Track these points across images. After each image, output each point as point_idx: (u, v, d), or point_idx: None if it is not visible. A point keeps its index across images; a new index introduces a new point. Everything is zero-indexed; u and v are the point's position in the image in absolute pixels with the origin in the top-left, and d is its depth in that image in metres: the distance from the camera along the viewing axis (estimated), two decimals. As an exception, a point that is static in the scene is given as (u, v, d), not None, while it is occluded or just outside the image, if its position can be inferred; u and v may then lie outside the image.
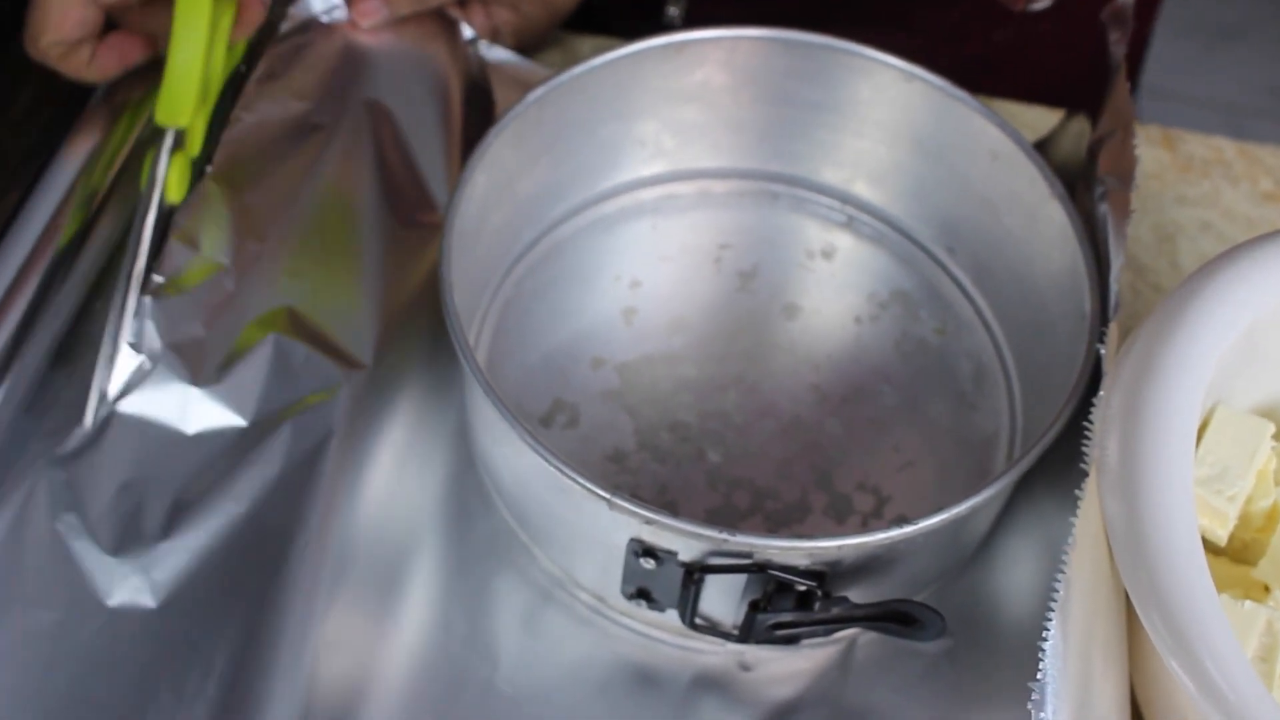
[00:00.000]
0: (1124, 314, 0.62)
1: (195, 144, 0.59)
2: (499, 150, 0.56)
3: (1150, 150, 0.69)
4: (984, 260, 0.62)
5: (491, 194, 0.57)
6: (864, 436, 0.59)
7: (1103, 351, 0.50)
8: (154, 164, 0.58)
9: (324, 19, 0.65)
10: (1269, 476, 0.51)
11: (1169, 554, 0.44)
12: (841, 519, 0.57)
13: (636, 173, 0.64)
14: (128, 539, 0.53)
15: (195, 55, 0.56)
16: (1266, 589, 0.50)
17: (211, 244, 0.58)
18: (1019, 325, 0.61)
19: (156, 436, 0.55)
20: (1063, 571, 0.45)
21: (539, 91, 0.57)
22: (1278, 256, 0.50)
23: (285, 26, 0.64)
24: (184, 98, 0.57)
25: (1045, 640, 0.44)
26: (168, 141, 0.58)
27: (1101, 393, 0.49)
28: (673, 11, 0.75)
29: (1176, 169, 0.69)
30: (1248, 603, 0.47)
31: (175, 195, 0.58)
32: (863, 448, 0.59)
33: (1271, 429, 0.51)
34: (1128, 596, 0.48)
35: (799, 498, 0.57)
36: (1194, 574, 0.44)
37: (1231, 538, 0.51)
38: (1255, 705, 0.42)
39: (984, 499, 0.49)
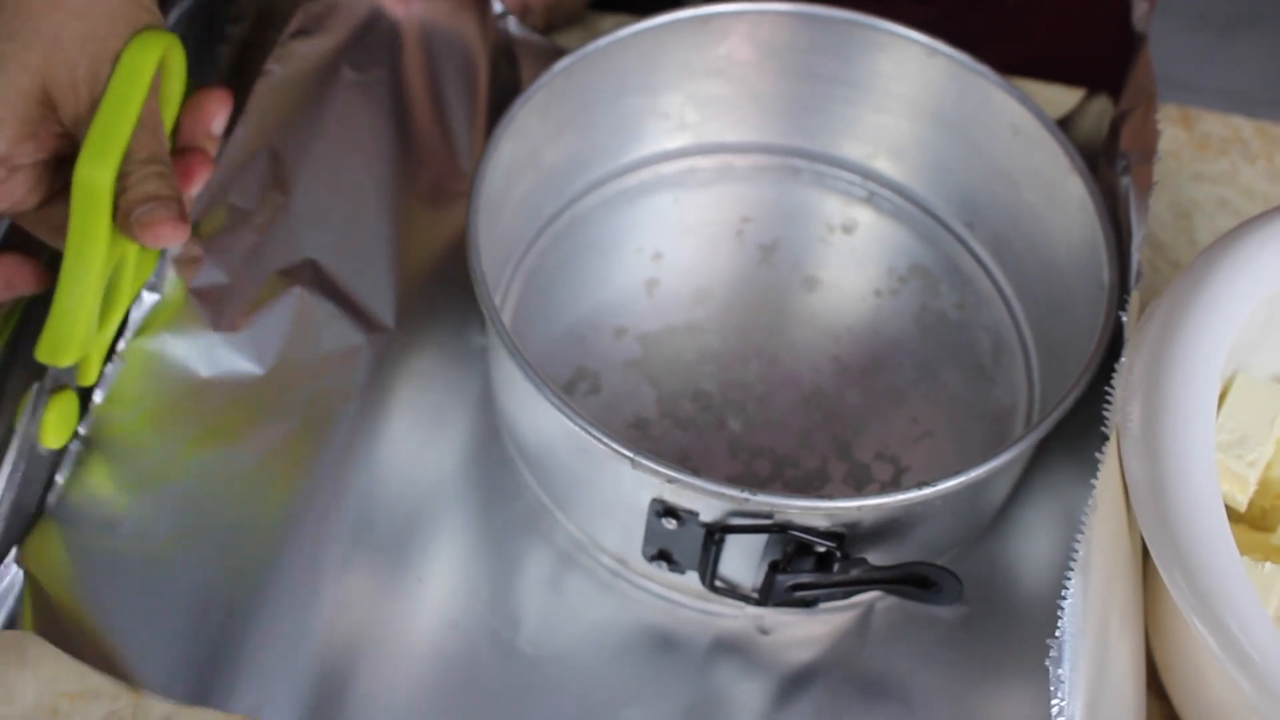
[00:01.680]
0: (1142, 289, 0.63)
1: (90, 374, 0.54)
2: (525, 120, 0.57)
3: (1168, 128, 0.70)
4: (1003, 235, 0.62)
5: (517, 164, 0.58)
6: (883, 407, 0.60)
7: (1124, 319, 0.51)
8: (30, 406, 0.52)
9: (361, 11, 0.66)
10: None
11: (1192, 515, 0.45)
12: (860, 487, 0.57)
13: (660, 146, 0.65)
14: (136, 478, 0.54)
15: (84, 293, 0.49)
16: None
17: (238, 192, 0.59)
18: (1037, 299, 0.61)
19: (172, 376, 0.56)
20: (1082, 532, 0.46)
21: (565, 62, 0.58)
22: None
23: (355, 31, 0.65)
24: (70, 336, 0.50)
25: (1064, 599, 0.45)
26: (45, 383, 0.52)
27: (1123, 359, 0.49)
28: None
29: (1194, 147, 0.70)
30: (1268, 564, 0.48)
31: (54, 441, 0.52)
32: (882, 418, 0.59)
33: None
34: (1145, 558, 0.49)
35: (819, 466, 0.58)
36: (1217, 535, 0.45)
37: (1251, 504, 0.51)
38: (1278, 663, 0.43)
39: (1002, 463, 0.49)
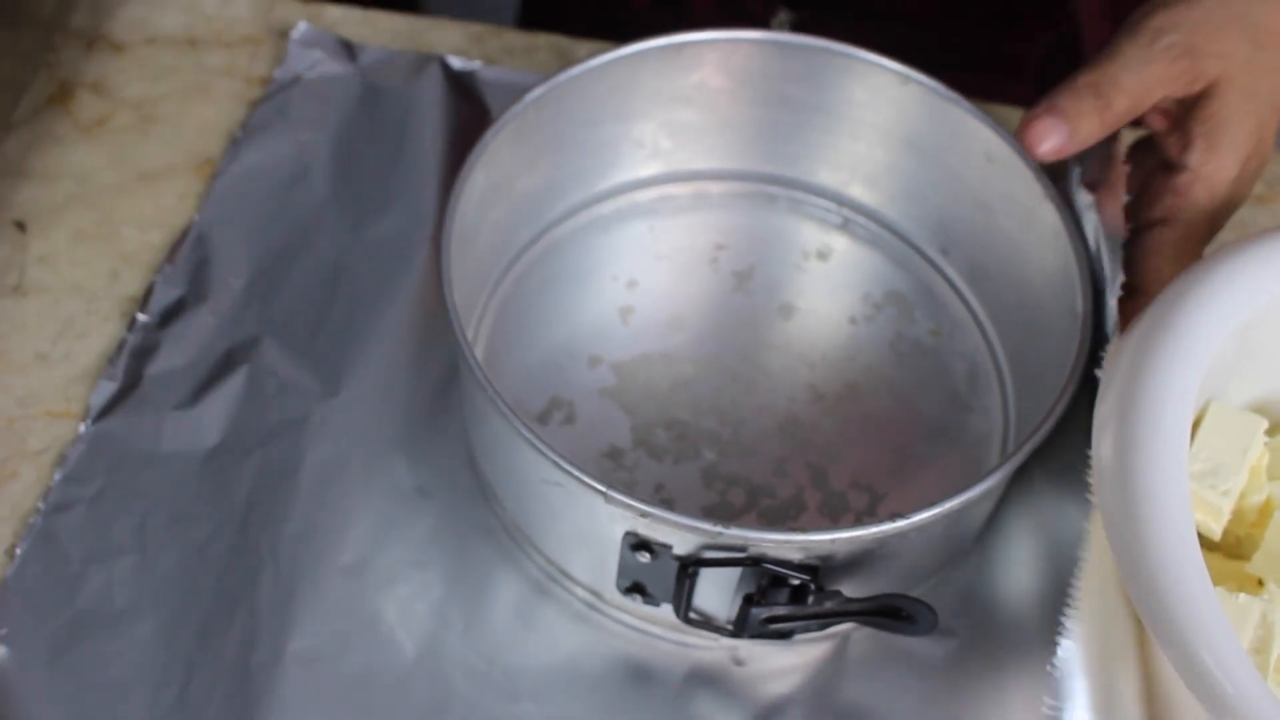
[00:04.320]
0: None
1: None
2: (498, 149, 0.57)
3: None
4: (978, 261, 0.62)
5: (489, 193, 0.57)
6: (859, 435, 0.59)
7: (1099, 374, 0.51)
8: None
9: (308, 75, 0.69)
10: (1262, 472, 0.51)
11: (1165, 546, 0.45)
12: (836, 517, 0.57)
13: (634, 173, 0.65)
14: (97, 553, 0.54)
15: None
16: (1260, 583, 0.50)
17: (195, 279, 0.62)
18: (1013, 326, 0.61)
19: (130, 454, 0.57)
20: (1078, 572, 0.46)
21: (538, 91, 0.58)
22: (1269, 255, 0.50)
23: (271, 86, 0.68)
24: None
25: (1060, 638, 0.46)
26: None
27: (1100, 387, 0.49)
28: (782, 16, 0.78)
29: None
30: (1242, 595, 0.47)
31: None
32: (858, 447, 0.59)
33: (1264, 425, 0.51)
34: None
35: (794, 495, 0.57)
36: (1190, 567, 0.45)
37: (1225, 533, 0.51)
38: (1252, 696, 0.43)
39: (976, 494, 0.49)
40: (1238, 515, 0.51)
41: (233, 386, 0.59)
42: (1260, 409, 0.53)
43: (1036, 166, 0.57)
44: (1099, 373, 0.50)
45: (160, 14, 0.72)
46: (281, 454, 0.57)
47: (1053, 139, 0.55)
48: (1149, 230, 0.55)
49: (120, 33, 0.71)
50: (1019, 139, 0.56)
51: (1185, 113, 0.55)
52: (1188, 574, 0.44)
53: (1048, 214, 0.57)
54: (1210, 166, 0.54)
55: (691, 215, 0.65)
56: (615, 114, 0.62)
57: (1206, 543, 0.49)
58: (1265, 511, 0.51)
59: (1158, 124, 0.56)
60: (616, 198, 0.65)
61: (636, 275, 0.63)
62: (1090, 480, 0.48)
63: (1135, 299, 0.53)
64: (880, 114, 0.62)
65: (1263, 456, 0.51)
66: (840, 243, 0.65)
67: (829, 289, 0.64)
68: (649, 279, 0.63)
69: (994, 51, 0.78)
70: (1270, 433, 0.52)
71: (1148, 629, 0.45)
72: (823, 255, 0.65)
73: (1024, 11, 0.77)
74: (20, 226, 0.64)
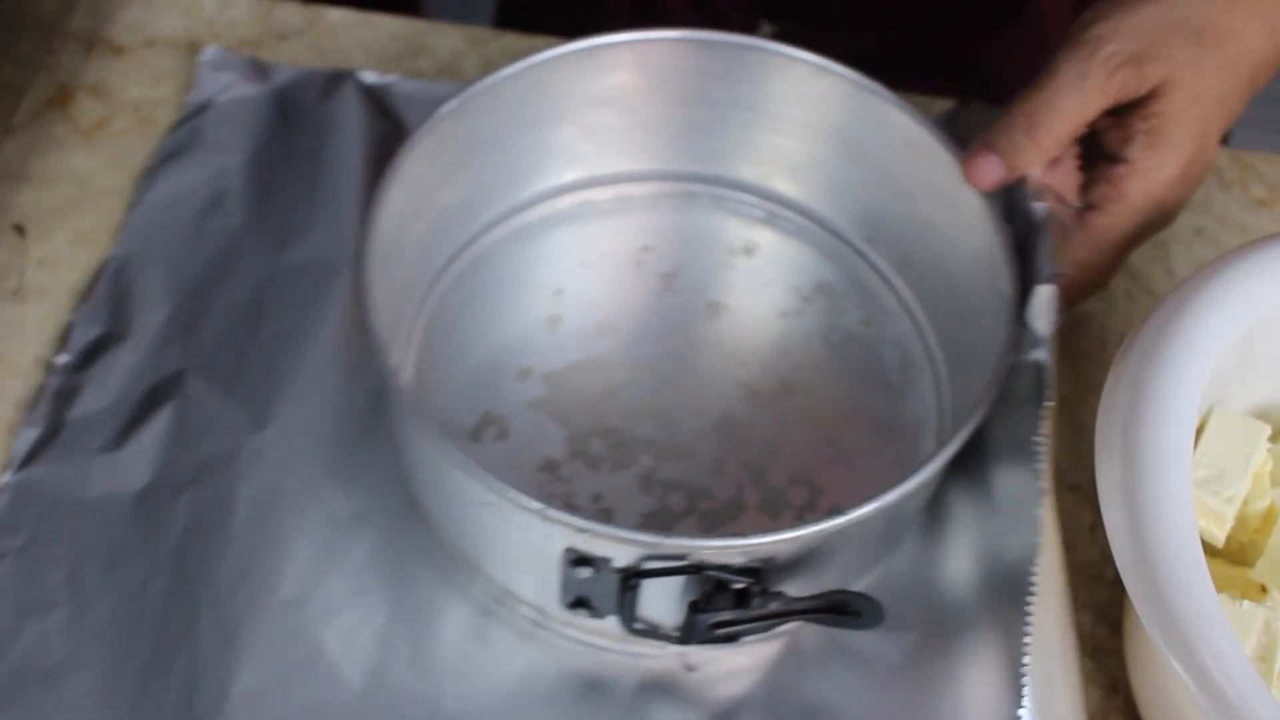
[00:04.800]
0: (1120, 318, 0.64)
1: None
2: (413, 166, 0.56)
3: None
4: (905, 249, 0.62)
5: (408, 210, 0.57)
6: (795, 430, 0.59)
7: (1044, 360, 0.51)
8: None
9: (219, 99, 0.68)
10: (1265, 478, 0.52)
11: (1169, 554, 0.45)
12: (776, 514, 0.57)
13: (555, 180, 0.64)
14: (29, 606, 0.53)
15: None
16: (1263, 589, 0.51)
17: (116, 315, 0.60)
18: (942, 311, 0.61)
19: (57, 502, 0.55)
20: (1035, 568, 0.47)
21: (451, 105, 0.57)
22: (1272, 261, 0.51)
23: (183, 111, 0.67)
24: None
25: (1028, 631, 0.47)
26: None
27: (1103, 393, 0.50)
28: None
29: None
30: (1246, 602, 0.48)
31: None
32: (794, 442, 0.59)
33: (1268, 431, 0.51)
34: (1123, 594, 0.49)
35: (733, 495, 0.57)
36: (1194, 575, 0.45)
37: (1228, 539, 0.51)
38: (1256, 703, 0.43)
39: (913, 486, 0.49)
40: (1240, 521, 0.51)
41: (159, 425, 0.58)
42: (1263, 415, 0.53)
43: (956, 151, 0.57)
44: (1033, 359, 0.50)
45: (159, 17, 0.72)
46: (213, 491, 0.56)
47: (990, 174, 0.56)
48: (1079, 217, 0.55)
49: (120, 36, 0.71)
50: (963, 175, 0.56)
51: (1130, 109, 0.55)
52: (1192, 581, 0.45)
53: (969, 198, 0.57)
54: (1149, 162, 0.54)
55: (615, 219, 0.65)
56: (533, 121, 0.61)
57: (1209, 549, 0.49)
58: (1268, 518, 0.52)
59: (1102, 121, 0.56)
60: (539, 205, 0.64)
61: (563, 283, 0.62)
62: (1038, 459, 0.48)
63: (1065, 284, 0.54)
64: (800, 106, 0.61)
65: (1266, 463, 0.52)
66: (766, 237, 0.65)
67: (757, 284, 0.63)
68: (575, 286, 0.62)
69: (982, 59, 0.78)
70: (1273, 439, 0.52)
71: (1151, 636, 0.45)
72: (749, 251, 0.64)
73: (1014, 19, 0.77)
74: (20, 230, 0.63)
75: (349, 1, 0.74)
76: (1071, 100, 0.54)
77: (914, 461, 0.58)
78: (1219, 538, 0.50)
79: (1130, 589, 0.46)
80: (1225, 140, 0.78)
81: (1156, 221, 0.56)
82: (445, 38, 0.71)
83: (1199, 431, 0.50)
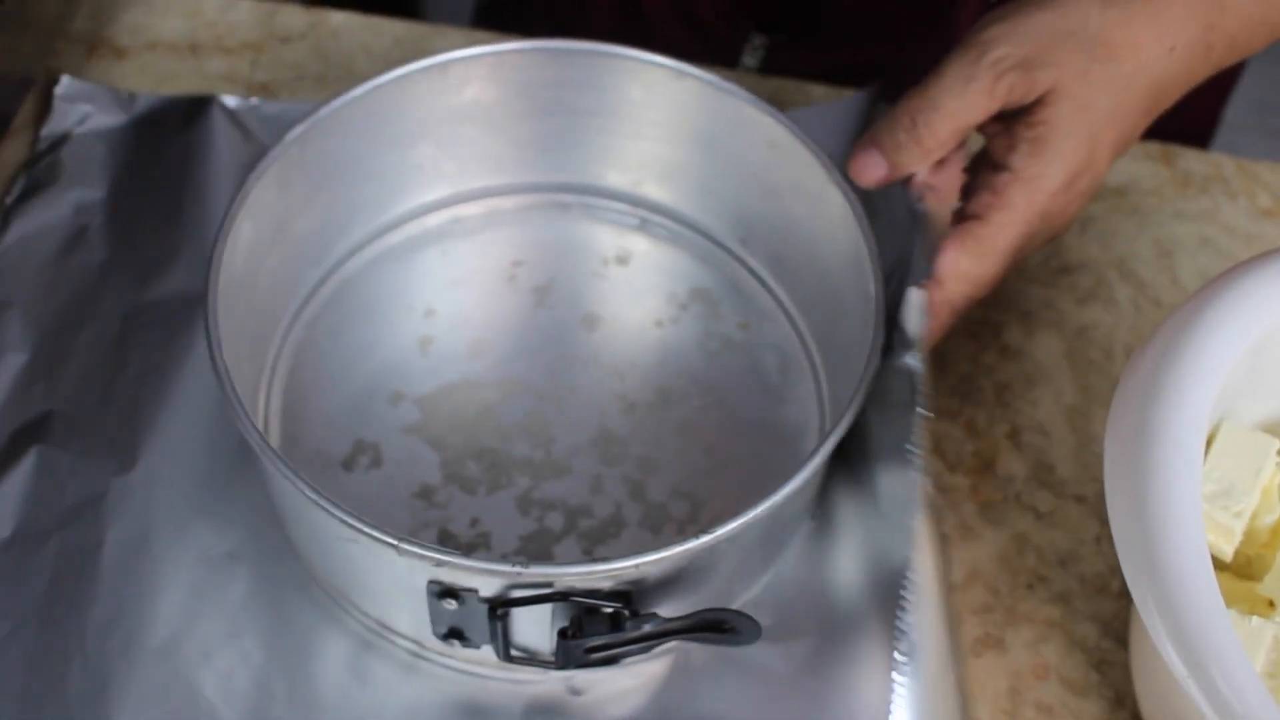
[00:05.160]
0: (1125, 329, 0.63)
1: None
2: (262, 195, 0.54)
3: (1148, 165, 0.70)
4: (777, 250, 0.61)
5: (261, 240, 0.55)
6: (674, 442, 0.58)
7: (915, 365, 0.50)
8: None
9: (77, 131, 0.66)
10: (1274, 492, 0.51)
11: (1179, 569, 0.45)
12: (657, 529, 0.56)
13: (420, 198, 0.63)
14: None
15: None
16: (1271, 604, 0.50)
17: None
18: (818, 312, 0.60)
19: None
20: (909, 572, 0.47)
21: (299, 129, 0.56)
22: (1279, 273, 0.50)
23: (39, 146, 0.65)
24: None
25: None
26: None
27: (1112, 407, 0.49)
28: (748, 62, 0.76)
29: (1175, 184, 0.69)
30: (1255, 619, 0.47)
31: None
32: (674, 454, 0.58)
33: (1276, 445, 0.51)
34: (1130, 607, 0.50)
35: (613, 513, 0.56)
36: (1204, 590, 0.44)
37: (1236, 553, 0.51)
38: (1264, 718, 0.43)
39: (780, 499, 0.48)
40: (1249, 536, 0.51)
41: (23, 472, 0.56)
42: (1272, 429, 0.53)
43: (818, 151, 0.57)
44: (905, 363, 0.50)
45: (161, 19, 0.71)
46: (80, 536, 0.55)
47: (873, 172, 0.55)
48: (959, 224, 0.54)
49: (122, 38, 0.70)
50: (849, 171, 0.56)
51: (1016, 117, 0.54)
52: (1202, 596, 0.44)
53: (834, 198, 0.56)
54: (1033, 171, 0.54)
55: (484, 234, 0.63)
56: (390, 141, 0.60)
57: (1217, 563, 0.48)
58: (1277, 532, 0.51)
59: (990, 128, 0.55)
60: (404, 225, 0.63)
61: (433, 303, 0.61)
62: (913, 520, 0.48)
63: (934, 290, 0.53)
64: (660, 111, 0.60)
65: (1274, 477, 0.51)
66: (640, 244, 0.64)
67: (632, 294, 0.62)
68: (446, 306, 0.61)
69: None
70: (1282, 452, 0.52)
71: (1160, 652, 0.45)
72: (622, 260, 0.63)
73: None
74: None
75: (351, 5, 0.73)
76: (955, 101, 0.53)
77: (797, 464, 0.57)
78: (1227, 553, 0.50)
79: (1139, 603, 0.46)
80: (1205, 143, 0.78)
81: (1040, 232, 0.55)
82: (448, 40, 0.71)
83: (1207, 446, 0.50)
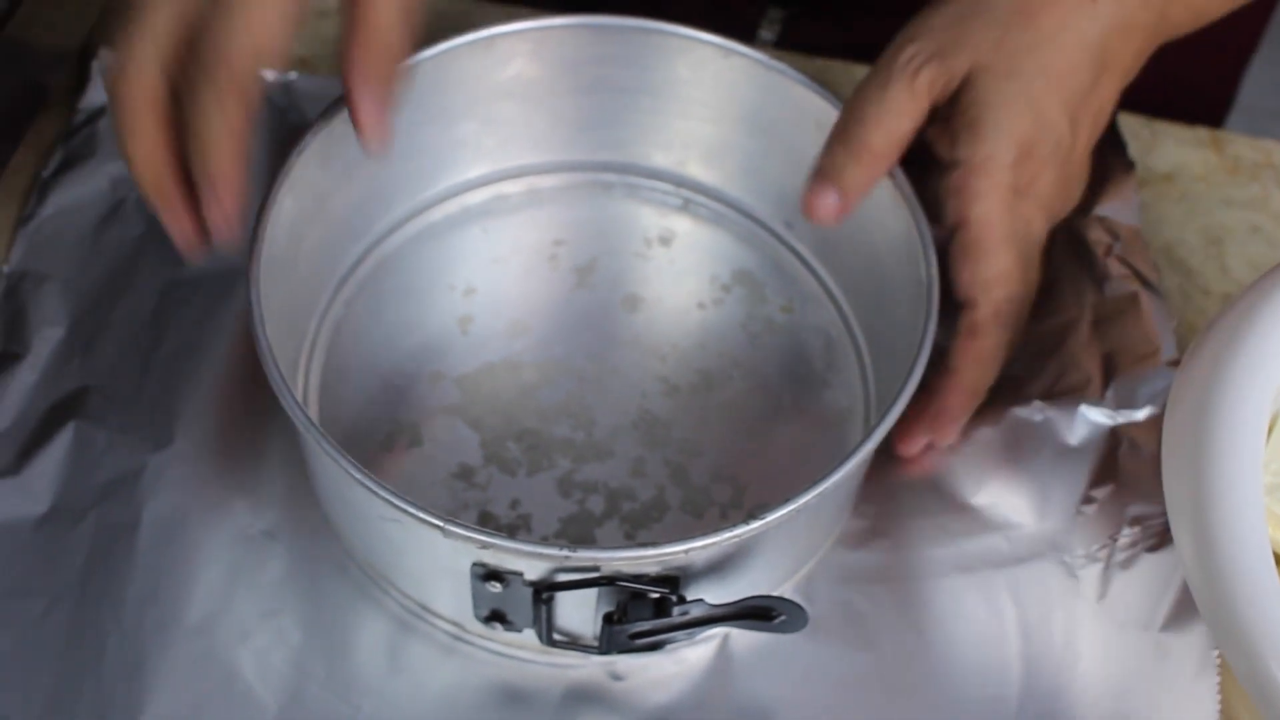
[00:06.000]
0: (1175, 318, 0.62)
1: None
2: (303, 171, 0.54)
3: (1197, 152, 0.69)
4: (824, 232, 0.60)
5: (303, 216, 0.54)
6: (716, 425, 0.57)
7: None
8: None
9: None
10: None
11: (1238, 564, 0.44)
12: (699, 513, 0.55)
13: (462, 175, 0.62)
14: None
15: None
16: None
17: (12, 338, 0.58)
18: (864, 295, 0.59)
19: None
20: None
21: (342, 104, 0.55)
22: None
23: (77, 119, 0.64)
24: None
25: None
26: None
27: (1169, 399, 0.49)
28: (765, 35, 0.75)
29: (1224, 171, 0.68)
30: None
31: None
32: (716, 437, 0.57)
33: None
34: None
35: (655, 496, 0.55)
36: (1264, 585, 0.44)
37: None
38: None
39: (833, 483, 0.47)
40: None
41: (59, 447, 0.55)
42: None
43: None
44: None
45: None
46: (117, 513, 0.54)
47: (827, 202, 0.54)
48: (952, 240, 0.53)
49: None
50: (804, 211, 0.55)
51: (951, 111, 0.53)
52: (1262, 592, 0.44)
53: (884, 180, 0.55)
54: (980, 154, 0.52)
55: (526, 213, 0.63)
56: (432, 117, 0.59)
57: (1276, 558, 0.47)
58: None
59: (932, 132, 0.54)
60: (446, 203, 0.62)
61: (474, 282, 0.60)
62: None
63: (969, 312, 0.52)
64: (707, 89, 0.60)
65: None
66: (683, 225, 0.63)
67: (674, 275, 0.61)
68: (487, 284, 0.60)
69: None
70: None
71: (1217, 643, 0.45)
72: (665, 240, 0.62)
73: None
74: None
75: None
76: (876, 108, 0.53)
77: (841, 451, 0.56)
78: None
79: (1196, 597, 0.45)
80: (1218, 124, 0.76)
81: (1030, 209, 0.53)
82: (489, 15, 0.69)
83: (1266, 437, 0.49)
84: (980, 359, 0.54)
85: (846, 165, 0.53)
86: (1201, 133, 0.69)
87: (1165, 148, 0.68)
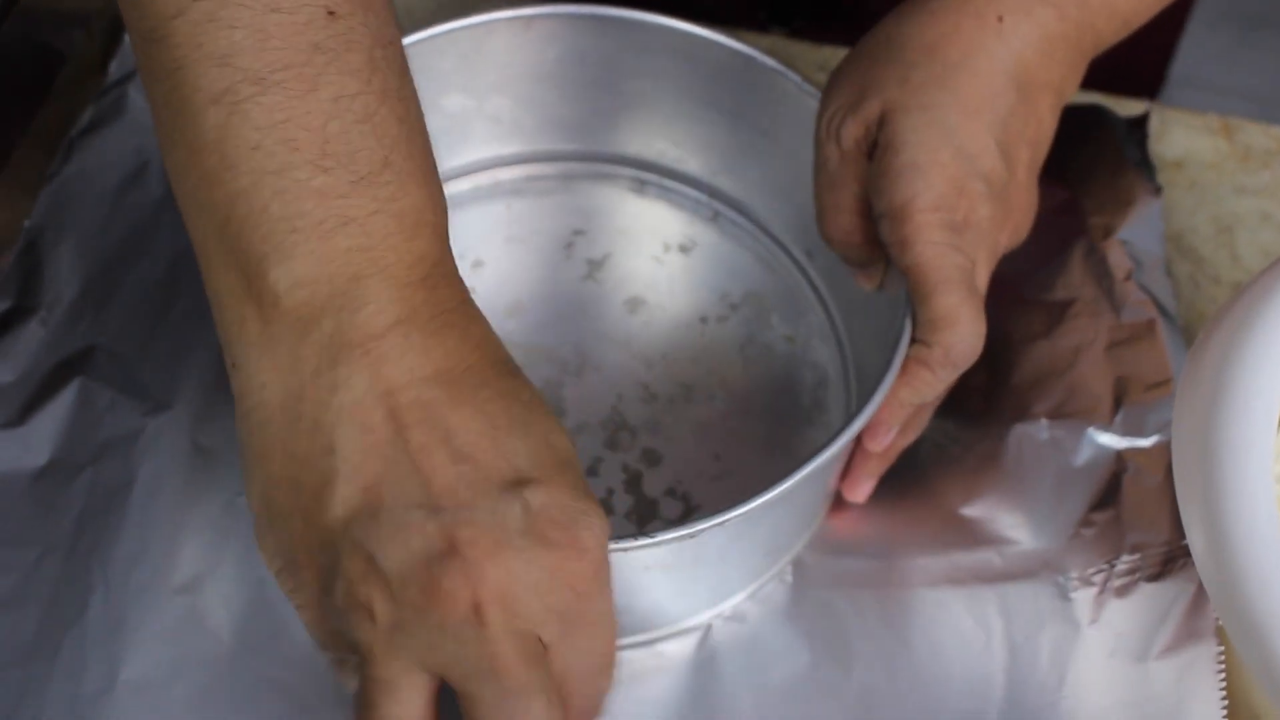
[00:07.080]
0: (1184, 306, 0.61)
1: None
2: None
3: (1208, 139, 0.67)
4: (841, 269, 0.58)
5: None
6: (685, 441, 0.56)
7: None
8: None
9: None
10: None
11: (1249, 551, 0.44)
12: (643, 524, 0.54)
13: (495, 150, 0.62)
14: None
15: None
16: None
17: (27, 289, 0.58)
18: (868, 340, 0.57)
19: None
20: None
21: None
22: None
23: (110, 79, 0.65)
24: None
25: None
26: None
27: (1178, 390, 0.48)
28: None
29: (1235, 159, 0.66)
30: None
31: None
32: (681, 452, 0.56)
33: None
34: None
35: (602, 499, 0.55)
36: (1275, 573, 0.43)
37: None
38: None
39: (730, 525, 0.46)
40: None
41: (63, 402, 0.56)
42: None
43: None
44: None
45: None
46: (112, 472, 0.55)
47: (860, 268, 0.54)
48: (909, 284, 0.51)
49: None
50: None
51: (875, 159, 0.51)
52: (1273, 580, 0.43)
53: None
54: (899, 200, 0.49)
55: (554, 197, 0.62)
56: (464, 87, 0.59)
57: None
58: None
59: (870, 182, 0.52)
60: (475, 174, 0.62)
61: (484, 255, 0.61)
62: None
63: (924, 352, 0.50)
64: (759, 109, 0.58)
65: None
66: (708, 236, 0.62)
67: (685, 284, 0.60)
68: (496, 260, 0.60)
69: None
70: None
71: (1228, 631, 0.44)
72: (685, 248, 0.61)
73: None
74: None
75: None
76: (825, 184, 0.52)
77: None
78: None
79: (1206, 584, 0.45)
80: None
81: (973, 241, 0.50)
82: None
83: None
84: (920, 388, 0.51)
85: (845, 253, 0.53)
86: (1212, 120, 0.67)
87: (1175, 135, 0.66)
